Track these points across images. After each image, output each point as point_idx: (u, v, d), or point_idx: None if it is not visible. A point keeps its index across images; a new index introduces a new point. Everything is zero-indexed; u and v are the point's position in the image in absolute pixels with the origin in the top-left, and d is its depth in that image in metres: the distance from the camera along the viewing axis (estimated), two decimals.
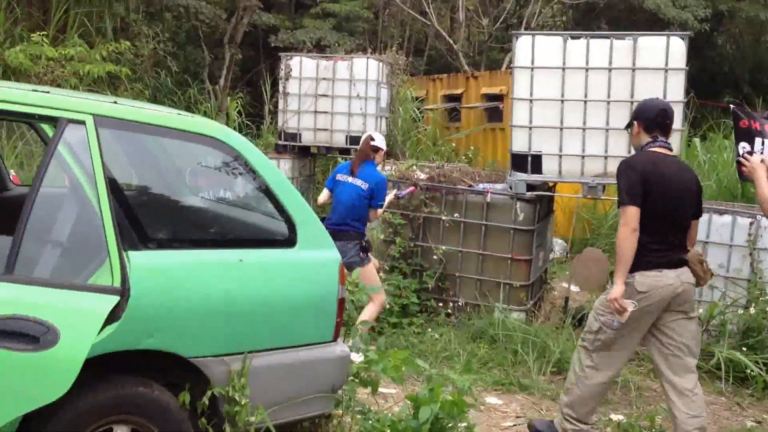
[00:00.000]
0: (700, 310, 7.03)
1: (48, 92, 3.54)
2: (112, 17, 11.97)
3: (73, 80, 9.74)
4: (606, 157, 7.21)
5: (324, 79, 11.06)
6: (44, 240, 3.50)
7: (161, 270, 3.49)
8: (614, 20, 21.92)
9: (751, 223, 7.16)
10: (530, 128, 7.34)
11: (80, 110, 3.44)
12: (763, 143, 8.11)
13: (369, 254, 6.83)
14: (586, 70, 7.15)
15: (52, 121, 3.40)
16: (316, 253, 4.06)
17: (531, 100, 7.31)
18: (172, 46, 15.07)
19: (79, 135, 3.39)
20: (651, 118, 4.78)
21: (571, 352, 6.08)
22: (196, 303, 3.56)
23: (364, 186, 6.80)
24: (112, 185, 3.40)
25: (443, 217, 7.69)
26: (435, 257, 7.73)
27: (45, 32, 9.74)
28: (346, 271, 4.42)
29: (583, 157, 7.27)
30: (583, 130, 7.23)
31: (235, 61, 17.12)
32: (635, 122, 4.86)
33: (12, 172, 5.71)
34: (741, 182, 10.31)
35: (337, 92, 11.06)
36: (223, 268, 3.70)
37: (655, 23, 20.86)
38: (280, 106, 11.30)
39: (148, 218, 3.61)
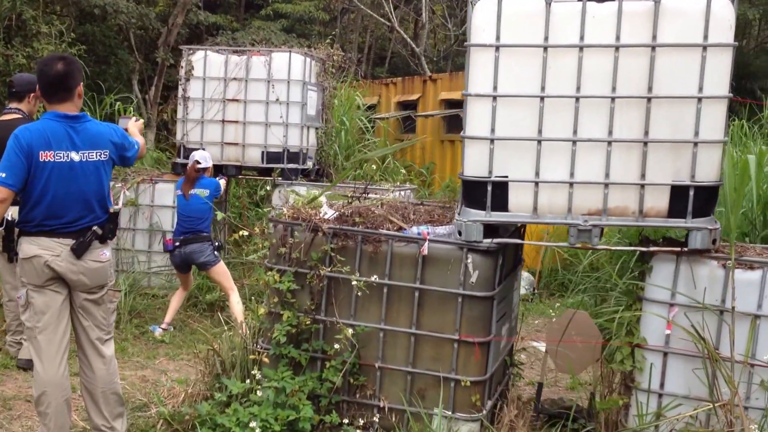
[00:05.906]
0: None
1: None
2: None
3: None
4: (607, 185, 4.41)
5: (235, 79, 8.19)
6: None
7: None
8: None
9: None
10: (492, 141, 4.49)
11: None
12: None
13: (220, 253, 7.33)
14: (581, 48, 4.32)
15: None
16: None
17: (494, 97, 4.45)
18: (86, 51, 12.17)
19: None
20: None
21: None
22: None
23: (205, 193, 7.21)
24: None
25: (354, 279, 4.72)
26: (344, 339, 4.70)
27: None
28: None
29: (571, 185, 4.45)
30: (573, 143, 4.41)
31: (168, 65, 14.24)
32: None
33: None
34: None
35: (251, 96, 8.21)
36: None
37: None
38: (179, 114, 8.41)
39: None
